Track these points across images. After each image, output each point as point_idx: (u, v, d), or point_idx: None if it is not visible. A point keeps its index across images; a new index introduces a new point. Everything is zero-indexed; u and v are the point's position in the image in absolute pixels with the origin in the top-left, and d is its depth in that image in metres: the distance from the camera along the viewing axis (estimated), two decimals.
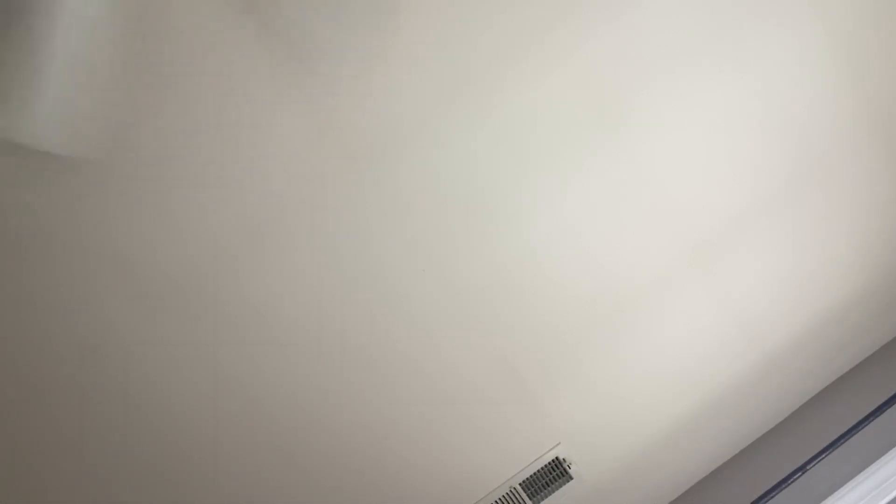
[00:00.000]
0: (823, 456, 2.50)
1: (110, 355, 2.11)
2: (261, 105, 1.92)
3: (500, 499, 2.54)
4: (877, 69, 2.35)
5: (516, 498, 2.54)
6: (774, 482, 2.53)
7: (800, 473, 2.50)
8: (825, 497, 2.40)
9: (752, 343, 2.57)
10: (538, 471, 2.53)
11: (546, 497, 2.56)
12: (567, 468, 2.54)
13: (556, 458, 2.54)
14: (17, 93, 1.53)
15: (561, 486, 2.56)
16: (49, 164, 1.83)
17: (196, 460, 2.30)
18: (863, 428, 2.51)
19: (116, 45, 1.61)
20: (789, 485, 2.49)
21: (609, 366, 2.50)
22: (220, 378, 2.21)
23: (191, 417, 2.24)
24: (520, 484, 2.53)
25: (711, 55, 2.20)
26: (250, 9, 1.81)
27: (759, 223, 2.44)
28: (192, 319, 2.12)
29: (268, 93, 1.91)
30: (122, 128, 1.83)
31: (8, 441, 2.15)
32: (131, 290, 2.05)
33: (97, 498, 2.28)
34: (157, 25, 1.77)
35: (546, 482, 2.55)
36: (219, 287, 2.10)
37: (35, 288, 1.99)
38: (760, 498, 2.50)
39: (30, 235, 1.92)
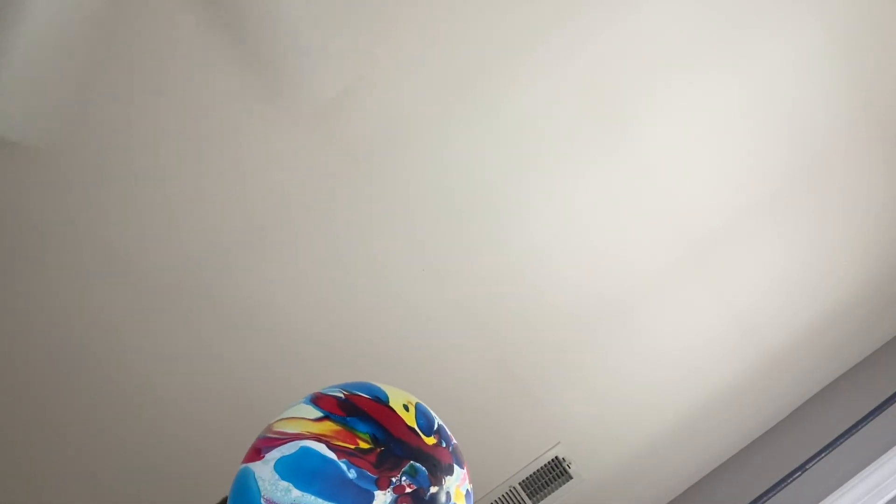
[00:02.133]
0: (823, 455, 2.50)
1: (105, 350, 2.11)
2: (260, 103, 1.92)
3: (499, 498, 2.54)
4: (876, 70, 2.35)
5: (516, 497, 2.54)
6: (774, 481, 2.52)
7: (800, 472, 2.50)
8: (825, 496, 2.40)
9: (751, 342, 2.56)
10: (538, 470, 2.53)
11: (545, 496, 2.56)
12: (567, 468, 2.54)
13: (556, 457, 2.53)
14: None
15: (560, 486, 2.56)
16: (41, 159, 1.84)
17: (193, 455, 2.29)
18: (862, 427, 2.50)
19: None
20: (789, 484, 2.49)
21: (609, 365, 2.50)
22: (219, 376, 2.21)
23: (190, 413, 2.24)
24: (519, 483, 2.53)
25: (711, 56, 2.21)
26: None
27: (758, 223, 2.44)
28: (192, 317, 2.13)
29: (265, 91, 1.91)
30: (115, 121, 1.83)
31: (2, 437, 2.15)
32: (127, 285, 2.05)
33: (93, 492, 2.27)
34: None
35: (546, 482, 2.54)
36: (218, 285, 2.10)
37: (28, 283, 1.99)
38: (760, 497, 2.50)
39: (23, 231, 1.92)
